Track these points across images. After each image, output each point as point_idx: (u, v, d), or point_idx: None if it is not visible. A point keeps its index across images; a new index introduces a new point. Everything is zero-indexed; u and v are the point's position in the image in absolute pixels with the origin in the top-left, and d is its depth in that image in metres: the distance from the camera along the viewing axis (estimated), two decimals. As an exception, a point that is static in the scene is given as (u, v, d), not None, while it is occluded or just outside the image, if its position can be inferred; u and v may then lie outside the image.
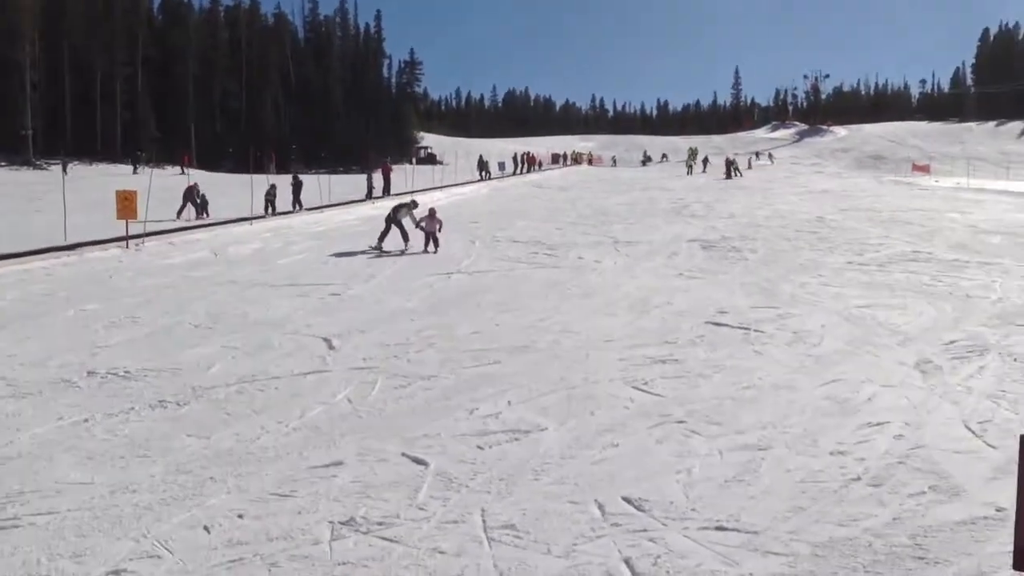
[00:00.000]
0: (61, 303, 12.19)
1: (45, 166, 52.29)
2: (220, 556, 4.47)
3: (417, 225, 18.51)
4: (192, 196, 25.27)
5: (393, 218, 18.70)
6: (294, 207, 28.22)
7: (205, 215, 24.99)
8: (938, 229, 22.52)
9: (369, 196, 35.10)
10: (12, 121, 56.67)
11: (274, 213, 26.66)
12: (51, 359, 8.91)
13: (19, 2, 56.72)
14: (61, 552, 4.51)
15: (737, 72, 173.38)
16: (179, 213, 24.54)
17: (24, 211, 25.48)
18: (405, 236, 18.52)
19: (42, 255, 16.54)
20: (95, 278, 14.51)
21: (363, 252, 18.21)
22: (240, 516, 5.00)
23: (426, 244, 18.37)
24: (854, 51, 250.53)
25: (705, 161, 65.03)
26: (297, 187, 29.00)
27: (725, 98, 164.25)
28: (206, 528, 4.84)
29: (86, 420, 6.89)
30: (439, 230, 18.43)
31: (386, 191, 37.41)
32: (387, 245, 18.37)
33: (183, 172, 44.55)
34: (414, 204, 19.27)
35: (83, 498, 5.30)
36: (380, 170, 39.56)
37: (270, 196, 26.85)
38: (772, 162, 60.26)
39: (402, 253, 17.91)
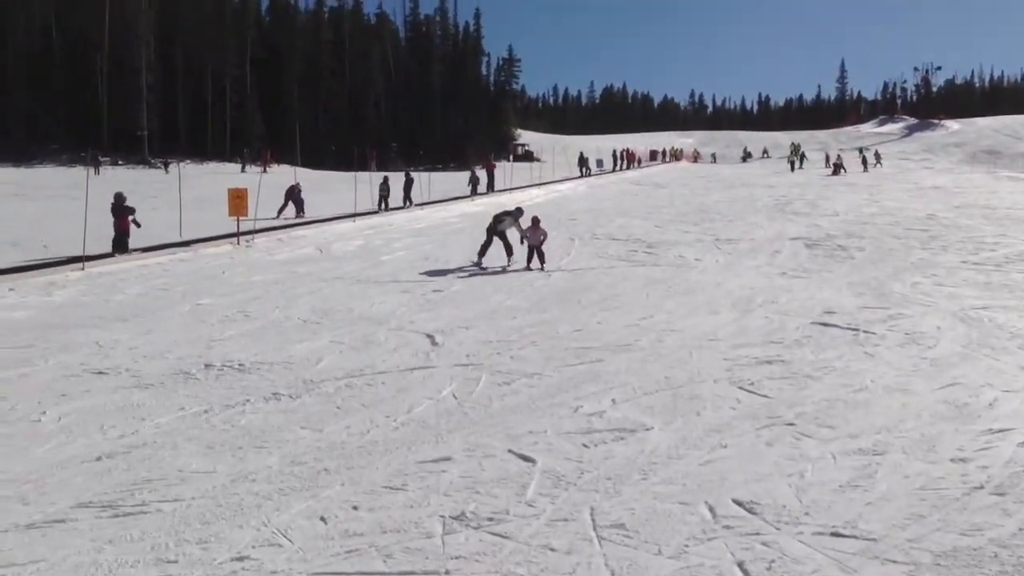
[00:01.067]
0: (178, 298, 12.70)
1: (160, 165, 54.51)
2: (337, 546, 4.59)
3: (522, 239, 16.06)
4: (294, 195, 25.87)
5: (495, 229, 16.27)
6: (405, 203, 29.11)
7: (302, 214, 25.55)
8: (1060, 227, 21.45)
9: (474, 192, 35.66)
10: (130, 122, 59.32)
11: (387, 208, 27.71)
12: (170, 351, 9.29)
13: (136, 7, 59.22)
14: (187, 538, 4.71)
15: (843, 65, 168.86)
16: (280, 212, 25.07)
17: (141, 209, 26.55)
18: (509, 250, 16.15)
19: (159, 251, 17.27)
20: (209, 274, 15.06)
21: (464, 257, 18.33)
22: (355, 508, 5.12)
23: (529, 259, 15.84)
24: (967, 42, 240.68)
25: (802, 157, 63.39)
26: (408, 184, 29.90)
27: (830, 92, 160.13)
28: (323, 519, 4.98)
29: (205, 411, 7.17)
30: (544, 241, 16.03)
31: (490, 187, 38.02)
32: (489, 260, 16.23)
33: (265, 171, 45.87)
34: (520, 212, 16.56)
35: (206, 486, 5.51)
36: (484, 167, 40.18)
37: (384, 191, 27.92)
38: (879, 163, 57.70)
39: (504, 270, 15.64)
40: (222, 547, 4.59)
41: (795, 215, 25.64)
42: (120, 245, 17.09)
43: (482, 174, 38.33)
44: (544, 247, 15.95)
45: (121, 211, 17.32)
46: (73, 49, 61.05)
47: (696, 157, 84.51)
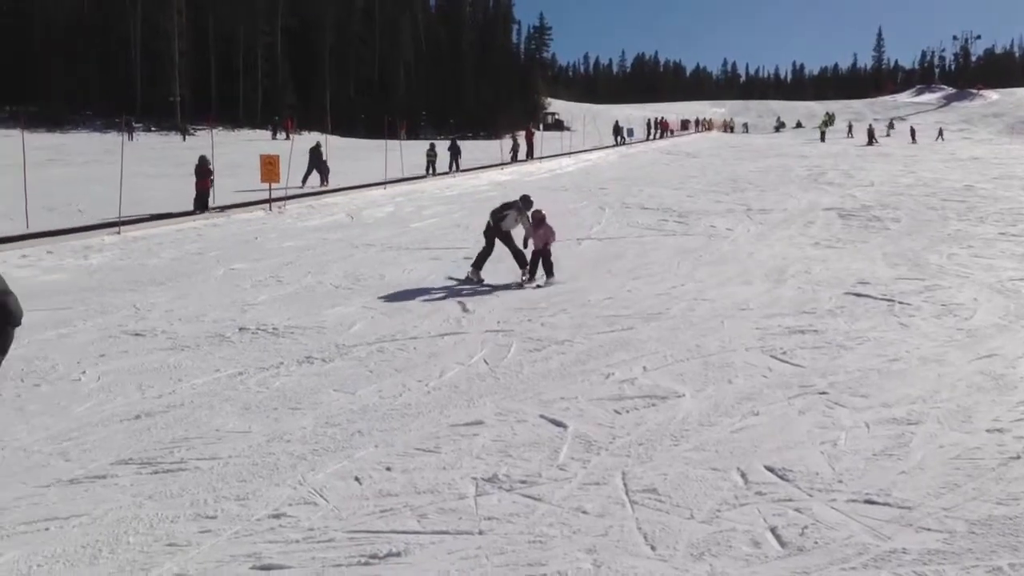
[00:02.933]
0: (212, 262, 12.82)
1: (193, 132, 54.87)
2: (372, 506, 4.65)
3: (527, 240, 11.96)
4: (319, 162, 25.58)
5: (496, 229, 11.88)
6: (450, 168, 30.19)
7: (326, 183, 25.31)
8: (1101, 199, 21.04)
9: (515, 159, 36.36)
10: (162, 89, 59.68)
11: (434, 173, 28.77)
12: (205, 315, 9.40)
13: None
14: (225, 495, 4.79)
15: (880, 33, 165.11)
16: (304, 179, 24.52)
17: (174, 175, 26.76)
18: (519, 257, 11.86)
19: (193, 216, 17.42)
20: (242, 239, 15.17)
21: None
22: (388, 469, 5.18)
23: (532, 269, 11.70)
24: (1008, 10, 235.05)
25: (850, 127, 62.52)
26: (455, 151, 30.99)
27: (866, 61, 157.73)
28: (357, 479, 5.04)
29: (240, 373, 7.26)
30: (552, 241, 11.85)
31: (529, 155, 38.52)
32: (495, 275, 11.78)
33: (287, 137, 45.90)
34: (528, 202, 12.04)
35: (242, 446, 5.59)
36: (524, 134, 40.70)
37: (431, 156, 29.23)
38: (911, 137, 56.07)
39: (522, 286, 11.47)
40: (259, 504, 4.66)
41: (829, 185, 25.36)
42: (201, 204, 18.46)
43: (523, 141, 38.74)
44: (551, 246, 11.84)
45: (204, 173, 18.58)
46: (106, 15, 61.34)
47: (728, 127, 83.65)
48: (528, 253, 11.84)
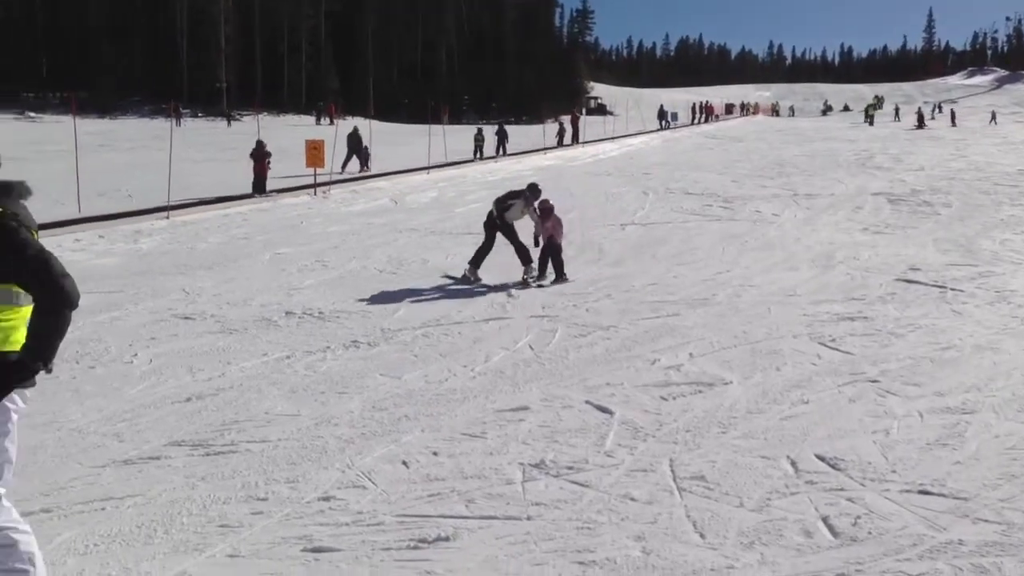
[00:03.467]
0: (258, 247, 12.96)
1: (238, 117, 55.43)
2: (420, 490, 4.67)
3: (537, 238, 10.86)
4: (358, 148, 25.64)
5: (499, 220, 10.95)
6: (497, 152, 31.22)
7: (367, 168, 25.40)
8: None
9: (560, 143, 37.02)
10: (208, 75, 60.37)
11: (482, 157, 29.71)
12: (253, 299, 9.50)
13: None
14: (276, 477, 4.84)
15: (930, 14, 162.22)
16: (344, 165, 24.48)
17: (220, 160, 27.11)
18: (523, 253, 10.71)
19: (239, 201, 17.63)
20: (287, 223, 15.32)
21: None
22: (435, 453, 5.20)
23: (541, 267, 10.68)
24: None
25: (897, 111, 61.40)
26: (502, 135, 32.23)
27: (916, 43, 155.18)
28: (404, 463, 5.06)
29: (288, 357, 7.33)
30: (560, 236, 10.77)
31: (575, 139, 38.72)
32: (496, 273, 10.77)
33: (331, 123, 46.14)
34: (536, 192, 11.09)
35: (291, 429, 5.65)
36: (569, 118, 41.14)
37: (478, 140, 30.28)
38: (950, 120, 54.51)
39: (526, 283, 10.47)
40: (309, 487, 4.71)
41: (877, 170, 24.94)
42: (259, 187, 19.21)
43: (568, 125, 39.54)
44: (563, 241, 10.91)
45: (261, 156, 19.44)
46: (154, 1, 62.10)
47: (774, 110, 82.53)
48: (536, 251, 10.80)
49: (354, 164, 25.19)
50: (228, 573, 3.79)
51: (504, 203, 10.99)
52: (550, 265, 10.67)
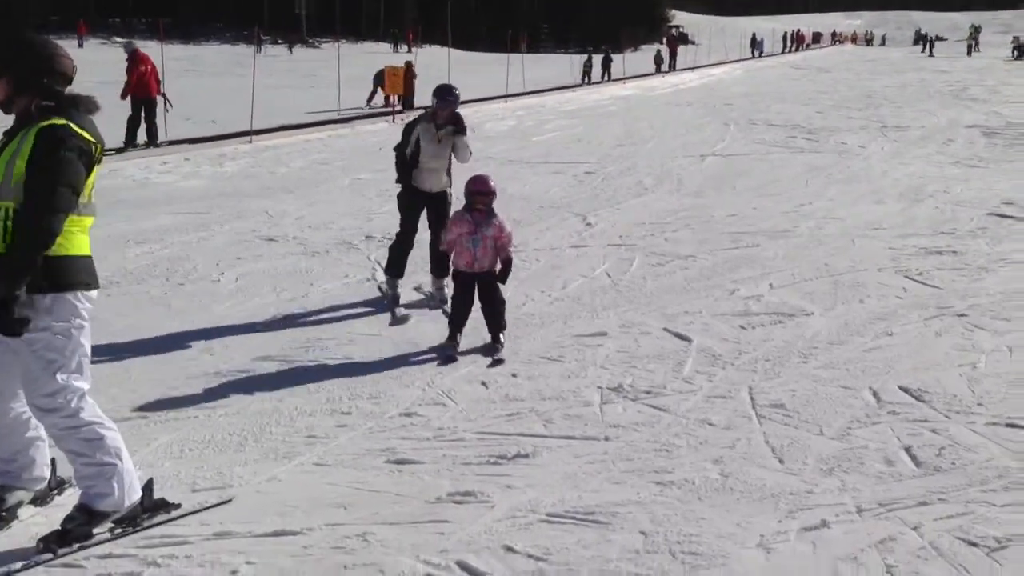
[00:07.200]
0: (338, 172, 13.12)
1: (317, 44, 55.60)
2: (499, 409, 4.76)
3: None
4: (383, 83, 24.45)
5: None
6: (602, 78, 34.32)
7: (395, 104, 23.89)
8: None
9: (658, 70, 38.79)
10: (288, 2, 60.56)
11: (589, 82, 32.91)
12: (333, 222, 9.66)
13: None
14: (359, 393, 4.98)
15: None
16: (369, 100, 22.99)
17: (300, 87, 27.35)
18: (438, 263, 6.65)
19: (319, 128, 17.81)
20: (366, 149, 15.42)
21: (614, 139, 17.97)
22: (514, 375, 5.27)
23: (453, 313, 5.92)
24: None
25: (976, 39, 58.24)
26: (607, 62, 35.47)
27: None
28: (484, 383, 5.16)
29: (368, 279, 7.48)
30: (504, 252, 5.85)
31: (672, 66, 40.82)
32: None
33: (409, 50, 45.86)
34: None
35: (372, 348, 5.79)
36: (668, 46, 43.06)
37: (587, 66, 33.87)
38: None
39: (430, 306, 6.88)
40: (391, 403, 4.83)
41: (972, 102, 23.89)
42: (407, 104, 21.03)
43: (666, 55, 41.17)
44: (512, 255, 6.11)
45: (410, 76, 21.30)
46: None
47: (865, 39, 79.40)
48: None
49: (379, 98, 24.11)
50: (316, 480, 3.94)
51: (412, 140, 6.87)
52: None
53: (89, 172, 3.26)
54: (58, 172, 3.11)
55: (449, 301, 6.24)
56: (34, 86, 3.21)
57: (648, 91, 29.92)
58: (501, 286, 5.90)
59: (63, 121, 3.17)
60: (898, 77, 33.98)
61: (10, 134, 3.23)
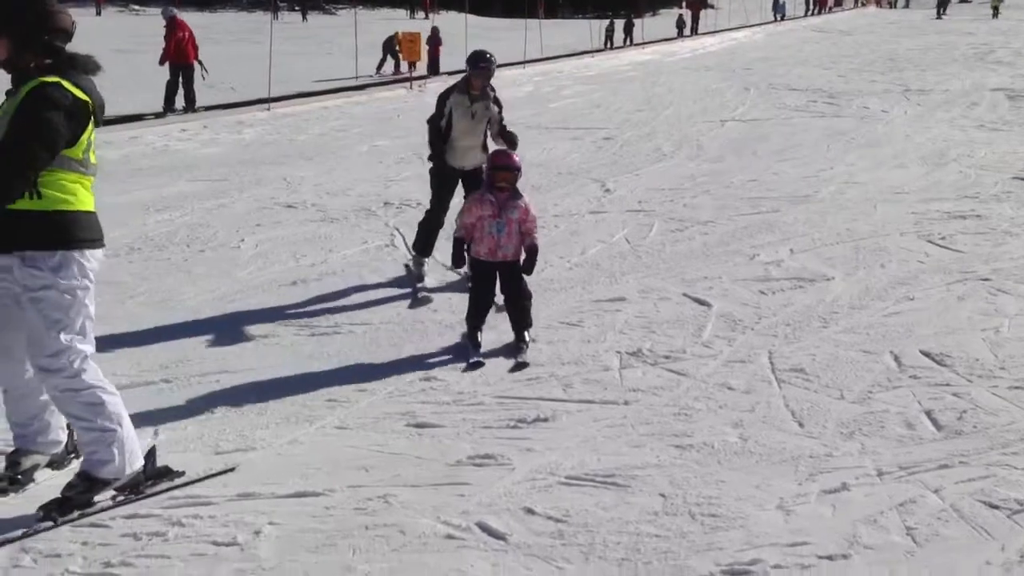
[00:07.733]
0: (355, 139, 13.09)
1: (333, 11, 55.30)
2: (518, 374, 4.77)
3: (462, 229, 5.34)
4: (392, 50, 23.84)
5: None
6: (624, 43, 34.54)
7: (399, 71, 23.59)
8: None
9: (680, 34, 38.95)
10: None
11: (611, 47, 33.15)
12: (352, 189, 9.66)
13: None
14: (379, 357, 5.02)
15: None
16: (379, 68, 23.00)
17: (317, 54, 27.24)
18: (425, 238, 6.53)
19: (337, 95, 17.76)
20: (383, 117, 15.39)
21: (634, 104, 17.81)
22: (533, 340, 5.27)
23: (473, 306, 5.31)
24: None
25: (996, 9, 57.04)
26: (629, 27, 36.01)
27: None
28: (504, 348, 5.16)
29: (387, 245, 7.49)
30: (532, 234, 5.24)
31: (694, 30, 40.66)
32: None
33: (426, 16, 45.53)
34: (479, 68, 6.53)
35: (391, 313, 5.83)
36: (690, 9, 43.09)
37: (609, 31, 34.23)
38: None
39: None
40: (410, 368, 4.87)
41: (997, 64, 23.50)
42: (434, 69, 21.54)
43: (688, 18, 41.51)
44: (538, 238, 5.44)
45: (436, 42, 22.15)
46: None
47: (888, 1, 78.13)
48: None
49: (389, 66, 23.94)
50: (337, 443, 3.97)
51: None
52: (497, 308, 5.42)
53: (83, 130, 3.23)
54: (33, 130, 3.07)
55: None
56: (35, 44, 3.18)
57: (667, 56, 29.60)
58: (526, 277, 5.28)
59: (55, 79, 3.14)
60: (921, 39, 33.46)
61: (10, 93, 3.22)
